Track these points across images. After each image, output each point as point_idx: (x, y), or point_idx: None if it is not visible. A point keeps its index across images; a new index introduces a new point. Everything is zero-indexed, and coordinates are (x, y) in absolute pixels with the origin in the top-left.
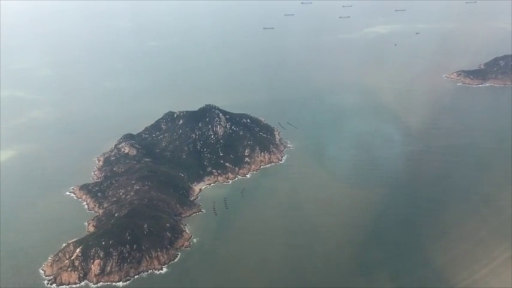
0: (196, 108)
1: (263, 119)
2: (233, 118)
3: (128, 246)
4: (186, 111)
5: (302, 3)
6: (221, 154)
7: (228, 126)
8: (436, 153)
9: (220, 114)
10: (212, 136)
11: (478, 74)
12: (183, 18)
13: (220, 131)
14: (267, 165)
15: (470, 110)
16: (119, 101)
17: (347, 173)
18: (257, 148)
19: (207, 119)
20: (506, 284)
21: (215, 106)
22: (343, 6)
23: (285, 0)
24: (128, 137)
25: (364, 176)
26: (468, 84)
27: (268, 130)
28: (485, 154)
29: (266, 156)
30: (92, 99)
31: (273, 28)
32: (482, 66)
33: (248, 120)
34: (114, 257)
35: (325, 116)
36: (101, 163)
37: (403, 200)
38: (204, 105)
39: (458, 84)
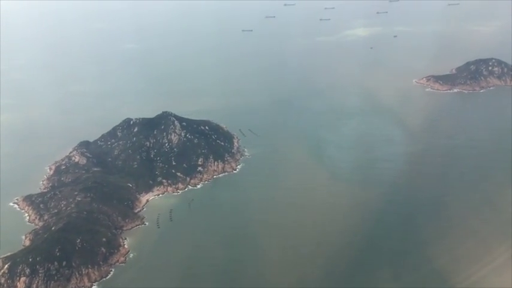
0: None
1: (224, 126)
2: (190, 125)
3: (56, 263)
4: (143, 118)
5: (285, 4)
6: (174, 163)
7: (182, 134)
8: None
9: (176, 122)
10: (166, 144)
11: (448, 79)
12: (162, 19)
13: (174, 139)
14: (219, 175)
15: (427, 117)
16: (84, 105)
17: (299, 183)
18: (211, 157)
19: (163, 127)
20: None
21: (171, 113)
22: (325, 8)
23: (268, 1)
24: (84, 145)
25: (321, 186)
26: (437, 89)
27: (227, 138)
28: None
29: (220, 166)
30: (56, 104)
31: (251, 30)
32: (454, 71)
33: (207, 128)
34: (40, 275)
35: (287, 122)
36: (51, 172)
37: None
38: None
39: (427, 89)
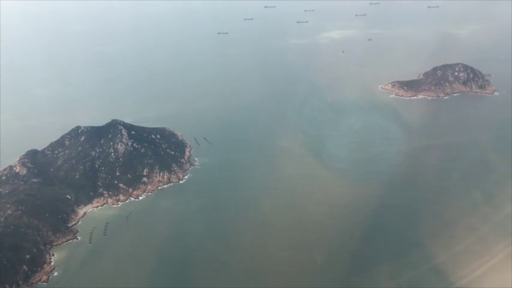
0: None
1: (180, 134)
2: (140, 134)
3: None
4: (91, 127)
5: (265, 6)
6: (118, 174)
7: (129, 144)
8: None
9: (123, 131)
10: (112, 154)
11: (413, 85)
12: (141, 19)
13: (121, 148)
14: (164, 186)
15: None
16: (44, 111)
17: (243, 193)
18: (156, 167)
19: (110, 136)
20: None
21: (120, 121)
22: (305, 11)
23: (249, 3)
24: (30, 154)
25: (265, 196)
26: (401, 95)
27: (179, 146)
28: None
29: (165, 176)
30: (17, 109)
31: (227, 33)
32: (421, 76)
33: (158, 136)
34: None
35: (243, 130)
36: None
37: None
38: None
39: (391, 96)
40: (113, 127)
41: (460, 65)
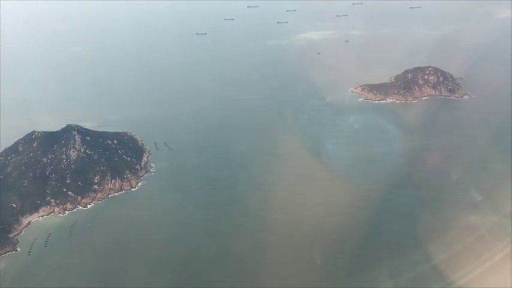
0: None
1: (140, 139)
2: (95, 140)
3: None
4: (45, 132)
5: (248, 6)
6: (68, 181)
7: (82, 150)
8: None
9: (77, 136)
10: (64, 160)
11: (382, 88)
12: (123, 18)
13: (73, 154)
14: (116, 194)
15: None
16: (11, 113)
17: (200, 201)
18: (108, 174)
19: (63, 141)
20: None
21: (75, 126)
22: (287, 11)
23: (232, 2)
24: None
25: (218, 206)
26: (370, 99)
27: (137, 152)
28: None
29: (117, 183)
30: None
31: (205, 34)
32: (393, 79)
33: (115, 142)
34: None
35: (205, 136)
36: None
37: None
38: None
39: (360, 99)
40: (67, 132)
41: (430, 68)
